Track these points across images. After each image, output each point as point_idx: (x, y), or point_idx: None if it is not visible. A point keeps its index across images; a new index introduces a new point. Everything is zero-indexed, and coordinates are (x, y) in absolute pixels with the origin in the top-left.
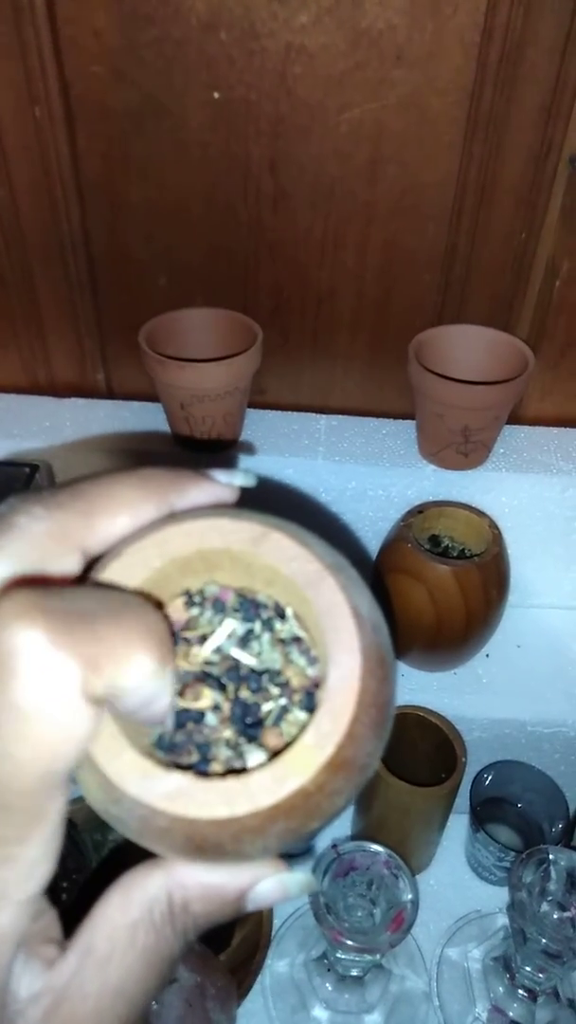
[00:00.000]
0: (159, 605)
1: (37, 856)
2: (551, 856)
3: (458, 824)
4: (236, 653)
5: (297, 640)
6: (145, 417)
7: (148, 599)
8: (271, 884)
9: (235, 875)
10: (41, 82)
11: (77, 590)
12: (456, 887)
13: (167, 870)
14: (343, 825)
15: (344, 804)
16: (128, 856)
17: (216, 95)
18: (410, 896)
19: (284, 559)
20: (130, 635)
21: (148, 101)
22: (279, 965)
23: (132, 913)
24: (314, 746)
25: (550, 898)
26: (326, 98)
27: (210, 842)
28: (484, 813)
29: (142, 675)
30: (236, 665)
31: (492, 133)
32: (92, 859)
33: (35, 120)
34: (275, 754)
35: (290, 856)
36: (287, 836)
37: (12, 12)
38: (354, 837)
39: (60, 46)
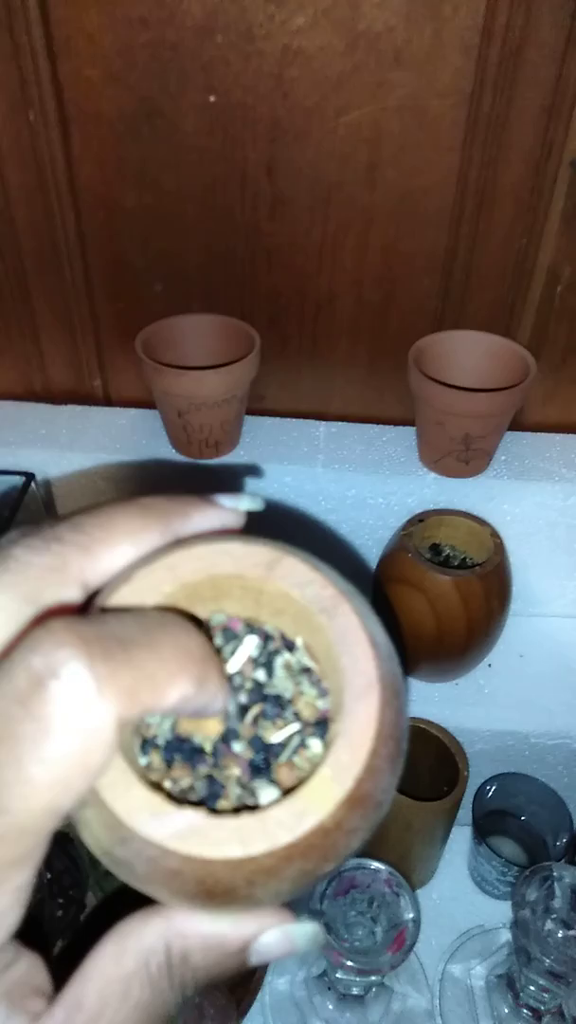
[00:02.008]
0: (194, 620)
1: (6, 905)
2: (555, 873)
3: (461, 837)
4: (256, 673)
5: (307, 671)
6: (142, 424)
7: (183, 615)
8: (276, 936)
9: (239, 925)
10: (35, 86)
11: (111, 615)
12: (459, 901)
13: (167, 918)
14: None
15: (359, 844)
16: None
17: (212, 99)
18: (411, 915)
19: (298, 584)
20: (168, 662)
21: (143, 105)
22: (279, 983)
23: (127, 965)
24: (332, 780)
25: (554, 916)
26: (323, 101)
27: (222, 885)
28: (487, 826)
29: (182, 699)
30: (251, 691)
31: (492, 136)
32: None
33: (29, 125)
34: (287, 791)
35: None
36: (301, 879)
37: (5, 14)
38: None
39: (54, 49)
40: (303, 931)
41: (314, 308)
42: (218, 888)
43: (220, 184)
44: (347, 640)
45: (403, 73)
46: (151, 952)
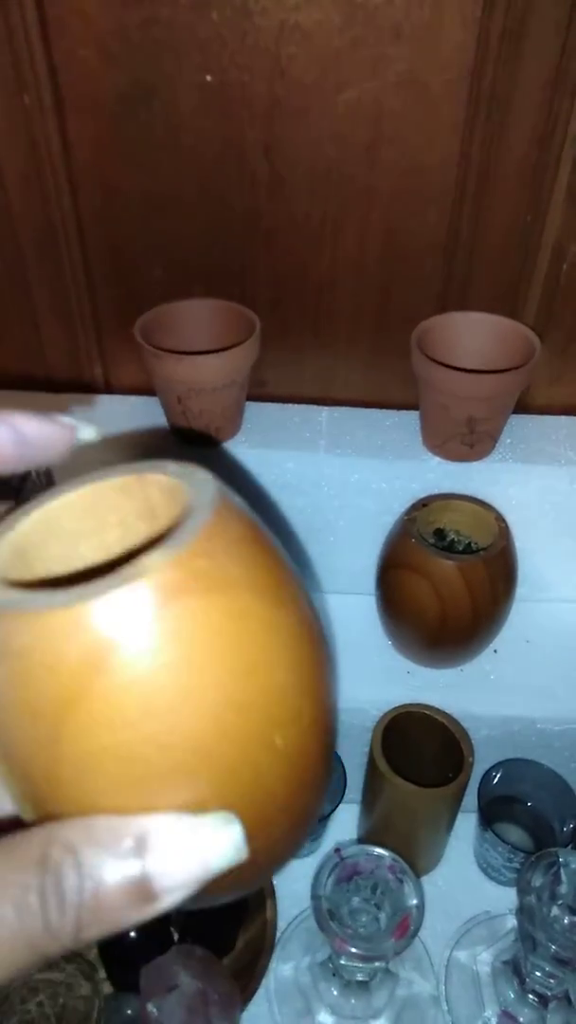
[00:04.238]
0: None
1: None
2: (561, 859)
3: (467, 823)
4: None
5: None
6: (144, 412)
7: None
8: (172, 830)
9: (129, 818)
10: (29, 68)
11: None
12: (465, 888)
13: (47, 827)
14: (349, 827)
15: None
16: None
17: (208, 78)
18: (415, 901)
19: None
20: None
21: (138, 85)
22: (284, 969)
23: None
24: (159, 553)
25: (560, 902)
26: (322, 78)
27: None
28: (493, 812)
29: None
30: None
31: (495, 111)
32: None
33: (24, 108)
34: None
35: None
36: None
37: None
38: (360, 839)
39: (47, 29)
40: (214, 829)
41: (315, 291)
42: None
43: (218, 166)
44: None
45: (402, 48)
46: (30, 863)
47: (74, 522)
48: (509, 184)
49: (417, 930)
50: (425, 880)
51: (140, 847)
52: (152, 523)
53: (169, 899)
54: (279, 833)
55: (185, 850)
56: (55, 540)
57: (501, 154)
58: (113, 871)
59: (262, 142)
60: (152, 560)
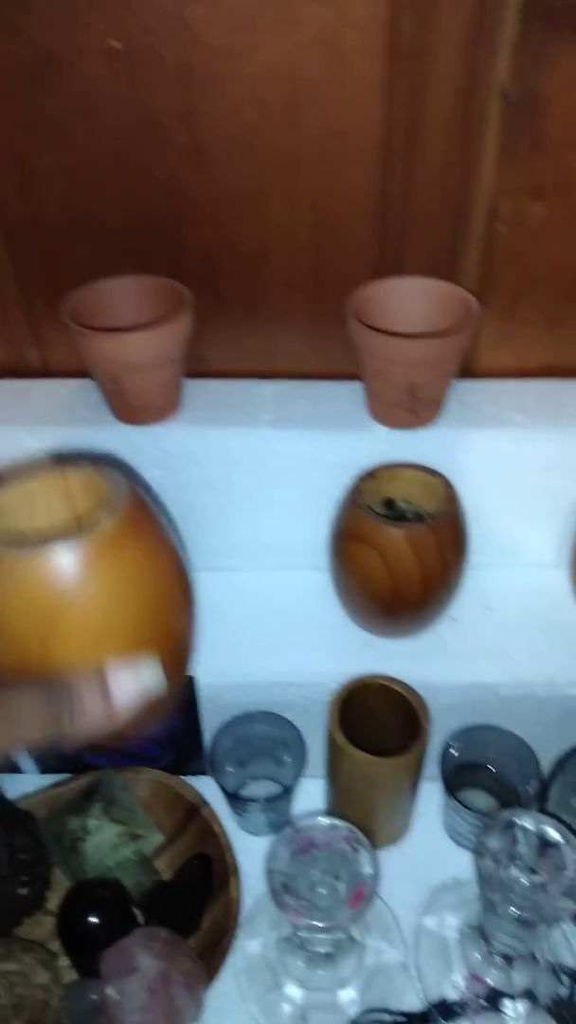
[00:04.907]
0: None
1: None
2: (517, 820)
3: (433, 791)
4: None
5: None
6: (81, 394)
7: None
8: (127, 669)
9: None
10: None
11: None
12: (434, 855)
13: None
14: (316, 798)
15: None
16: (89, 850)
17: (115, 44)
18: (369, 870)
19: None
20: None
21: (46, 56)
22: (251, 945)
23: None
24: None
25: (519, 863)
26: (233, 41)
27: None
28: (459, 779)
29: None
30: None
31: (415, 68)
32: (52, 853)
33: None
34: None
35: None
36: None
37: None
38: (328, 811)
39: None
40: (146, 665)
41: (247, 262)
42: None
43: (135, 136)
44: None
45: (315, 5)
46: (44, 686)
47: (16, 508)
48: (436, 143)
49: (371, 898)
50: (394, 849)
51: (106, 679)
52: (71, 506)
53: (125, 707)
54: (174, 678)
55: (131, 672)
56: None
57: (425, 112)
58: (91, 690)
59: (178, 110)
60: (94, 524)
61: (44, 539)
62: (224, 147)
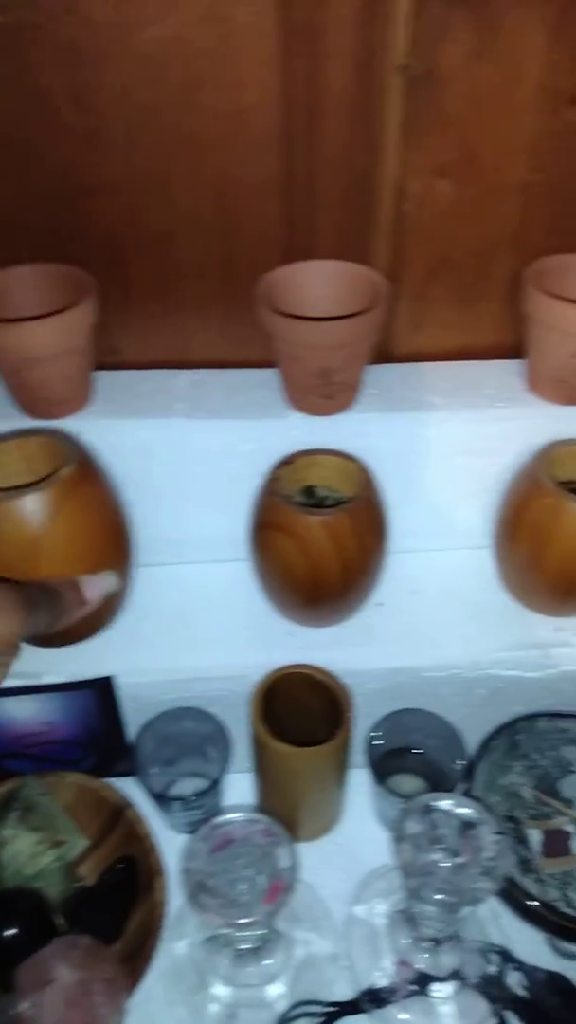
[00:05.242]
0: None
1: None
2: (436, 804)
3: (364, 778)
4: None
5: None
6: None
7: None
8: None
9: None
10: None
11: None
12: (366, 843)
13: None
14: (247, 792)
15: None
16: (5, 860)
17: None
18: (286, 864)
19: None
20: None
21: None
22: (178, 946)
23: None
24: None
25: (442, 846)
26: (119, 16)
27: None
28: (388, 764)
29: None
30: None
31: (310, 43)
32: None
33: None
34: None
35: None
36: None
37: None
38: (257, 805)
39: None
40: (108, 574)
41: (152, 247)
42: None
43: (23, 117)
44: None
45: None
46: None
47: None
48: (339, 121)
49: (288, 892)
50: (326, 839)
51: (78, 583)
52: (32, 466)
53: (94, 602)
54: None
55: (96, 579)
56: None
57: (324, 89)
58: (69, 590)
59: (68, 89)
60: (56, 477)
61: (23, 489)
62: (120, 128)
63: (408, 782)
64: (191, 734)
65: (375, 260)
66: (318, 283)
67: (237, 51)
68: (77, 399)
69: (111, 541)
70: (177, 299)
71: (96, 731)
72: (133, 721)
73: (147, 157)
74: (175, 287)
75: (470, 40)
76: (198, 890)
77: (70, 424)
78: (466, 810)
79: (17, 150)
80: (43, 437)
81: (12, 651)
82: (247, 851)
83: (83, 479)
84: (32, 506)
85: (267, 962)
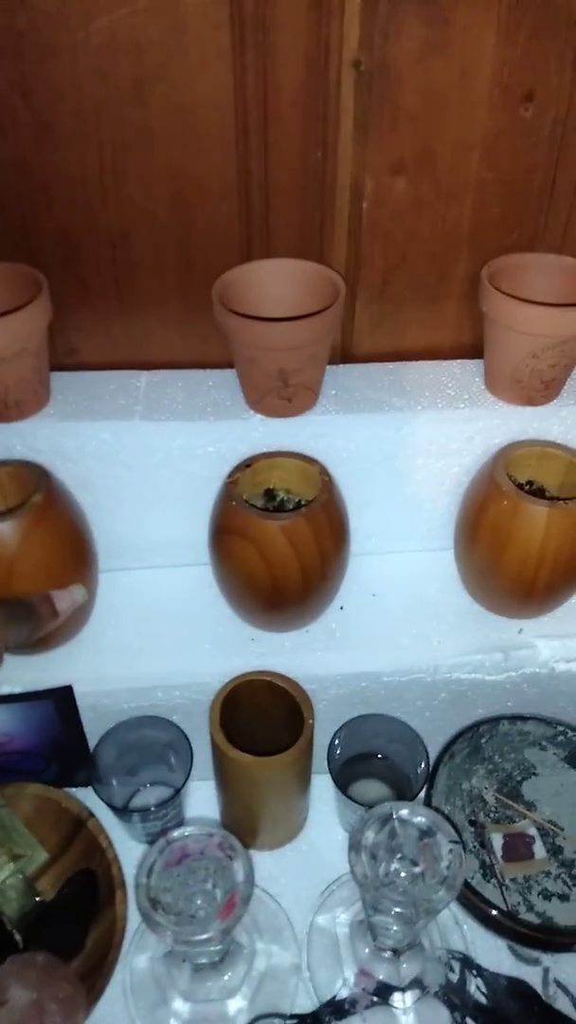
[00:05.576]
0: None
1: None
2: (393, 812)
3: (327, 785)
4: None
5: None
6: None
7: None
8: (63, 592)
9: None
10: None
11: None
12: (331, 849)
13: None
14: (211, 809)
15: None
16: None
17: None
18: (241, 878)
19: None
20: None
21: None
22: (139, 961)
23: None
24: None
25: (400, 855)
26: (65, 7)
27: None
28: (353, 770)
29: None
30: None
31: (261, 37)
32: None
33: None
34: None
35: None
36: None
37: None
38: (220, 813)
39: None
40: (77, 587)
41: (108, 246)
42: None
43: None
44: None
45: None
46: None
47: None
48: (292, 117)
49: (245, 907)
50: (289, 847)
51: (51, 598)
52: (2, 492)
53: (64, 612)
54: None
55: (66, 593)
56: None
57: (276, 84)
58: (42, 604)
59: (15, 82)
60: (27, 505)
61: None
62: (70, 123)
63: (372, 787)
64: (152, 743)
65: (333, 259)
66: (275, 282)
67: (188, 43)
68: (33, 401)
69: (78, 557)
70: (134, 298)
71: (57, 741)
72: (94, 730)
73: (100, 152)
74: (132, 286)
75: (422, 35)
76: (152, 906)
77: (26, 427)
78: (423, 819)
79: None
80: (12, 467)
81: None
82: (203, 865)
83: (51, 505)
84: (6, 531)
85: (227, 976)
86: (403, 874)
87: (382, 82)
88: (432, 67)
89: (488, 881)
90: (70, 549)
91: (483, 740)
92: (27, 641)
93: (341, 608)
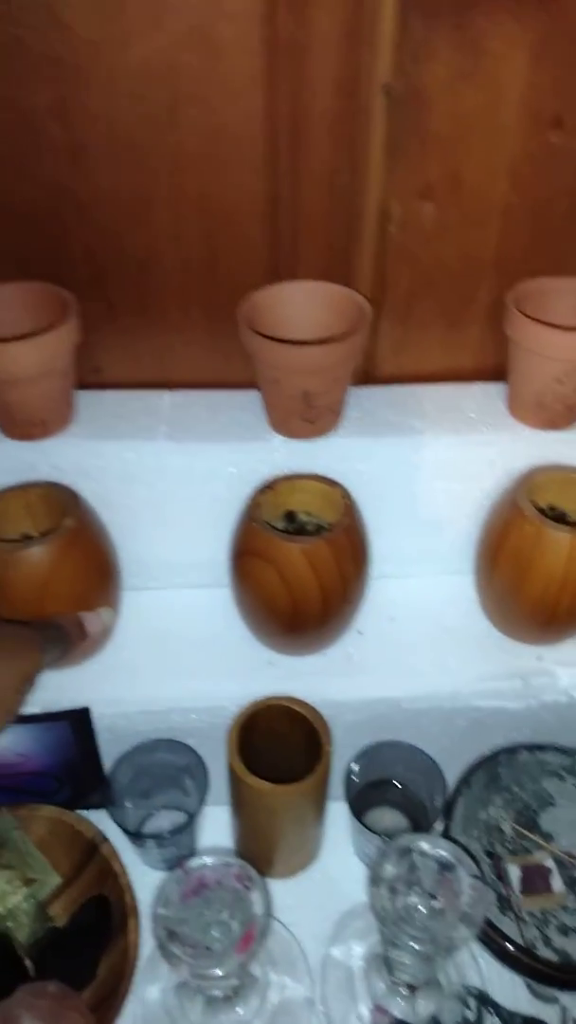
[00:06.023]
0: None
1: None
2: (412, 846)
3: (343, 812)
4: None
5: None
6: None
7: None
8: (93, 613)
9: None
10: None
11: None
12: (345, 879)
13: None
14: (224, 835)
15: None
16: None
17: None
18: (260, 910)
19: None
20: None
21: None
22: (151, 991)
23: None
24: None
25: (418, 888)
26: (104, 32)
27: None
28: (367, 797)
29: None
30: None
31: (295, 63)
32: None
33: None
34: None
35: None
36: None
37: None
38: (234, 845)
39: None
40: (106, 609)
41: (136, 267)
42: None
43: (8, 133)
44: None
45: None
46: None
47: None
48: (322, 142)
49: (262, 941)
50: (303, 876)
51: (80, 620)
52: (31, 512)
53: (93, 634)
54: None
55: (95, 615)
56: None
57: (308, 109)
58: (73, 626)
59: (53, 106)
60: (59, 530)
61: (34, 540)
62: (104, 146)
63: (387, 815)
64: (168, 766)
65: (358, 282)
66: (301, 304)
67: (222, 69)
68: (58, 420)
69: (105, 579)
70: (160, 318)
71: (72, 763)
72: (108, 752)
73: (131, 175)
74: (158, 306)
75: (453, 61)
76: (168, 940)
77: (51, 445)
78: (443, 852)
79: (3, 168)
80: (42, 489)
81: (30, 686)
82: (219, 895)
83: (83, 529)
84: (40, 555)
85: (240, 1009)
86: (422, 908)
87: (412, 107)
88: (462, 93)
89: (505, 914)
90: (99, 572)
91: (501, 769)
92: (56, 663)
93: (359, 632)
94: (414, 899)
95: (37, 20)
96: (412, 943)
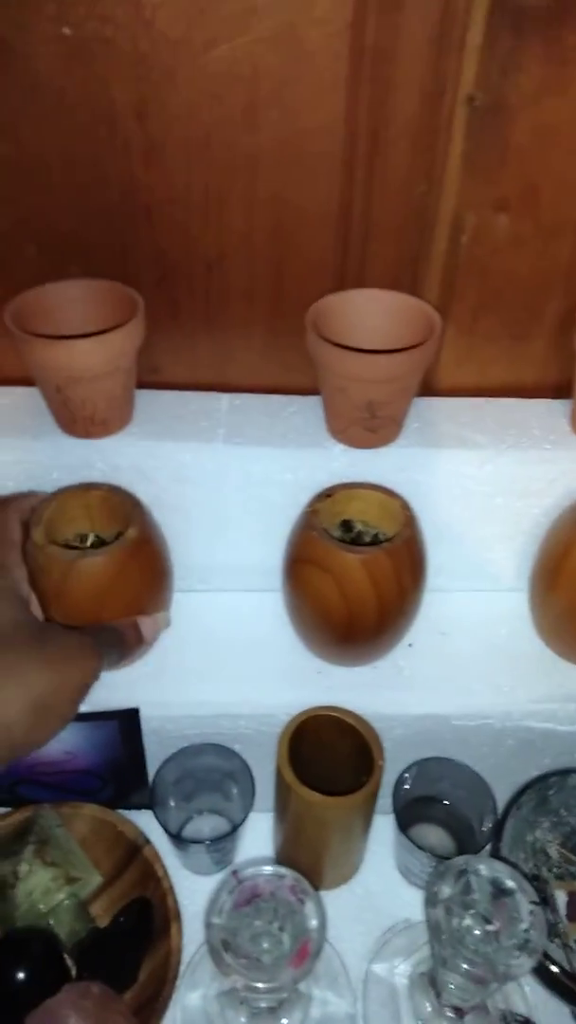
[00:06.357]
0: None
1: None
2: (469, 868)
3: (386, 826)
4: None
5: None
6: (26, 403)
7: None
8: (150, 618)
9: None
10: None
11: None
12: (386, 895)
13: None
14: (264, 842)
15: None
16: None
17: (66, 31)
18: (315, 923)
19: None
20: None
21: None
22: (192, 997)
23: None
24: None
25: (472, 911)
26: (190, 32)
27: None
28: (411, 813)
29: None
30: None
31: (379, 70)
32: None
33: None
34: None
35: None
36: None
37: None
38: (276, 853)
39: None
40: (164, 614)
41: (203, 268)
42: None
43: (85, 131)
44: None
45: None
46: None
47: (55, 520)
48: (401, 149)
49: (317, 956)
50: (344, 889)
51: (137, 625)
52: (91, 513)
53: (150, 639)
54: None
55: (152, 620)
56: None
57: (390, 116)
58: (130, 630)
59: (132, 104)
60: (122, 540)
61: (96, 550)
62: (180, 146)
63: (431, 832)
64: (212, 771)
65: (425, 291)
66: (369, 313)
67: (305, 73)
68: (118, 419)
69: (163, 587)
70: (223, 320)
71: (117, 762)
72: (153, 754)
73: (205, 177)
74: (222, 308)
75: (541, 74)
76: (222, 949)
77: (108, 444)
78: (502, 876)
79: (75, 163)
80: (102, 492)
81: (86, 694)
82: (272, 906)
83: (145, 540)
84: (101, 564)
85: (284, 1021)
86: (476, 931)
87: (494, 118)
88: (547, 106)
89: (551, 940)
90: (157, 579)
91: (551, 792)
92: (113, 667)
93: (410, 645)
94: (468, 921)
95: (124, 17)
96: (464, 964)
